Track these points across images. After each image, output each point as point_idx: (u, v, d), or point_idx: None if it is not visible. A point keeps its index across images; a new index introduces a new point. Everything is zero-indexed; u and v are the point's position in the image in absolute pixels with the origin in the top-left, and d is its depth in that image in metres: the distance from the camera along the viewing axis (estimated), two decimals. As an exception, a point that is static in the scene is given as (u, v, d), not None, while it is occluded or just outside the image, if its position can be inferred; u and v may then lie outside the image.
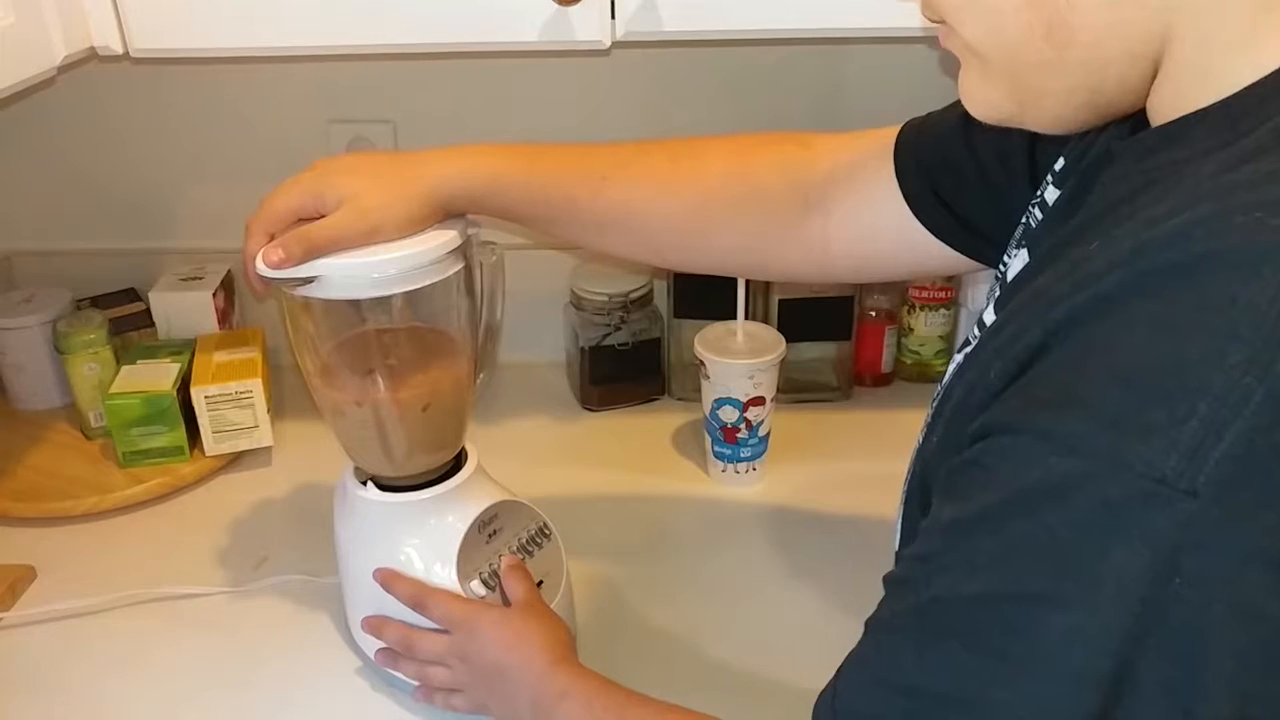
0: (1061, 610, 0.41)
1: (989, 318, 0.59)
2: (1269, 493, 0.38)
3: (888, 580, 0.49)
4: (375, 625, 0.79)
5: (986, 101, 0.53)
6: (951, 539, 0.45)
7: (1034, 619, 0.41)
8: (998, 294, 0.62)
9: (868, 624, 0.49)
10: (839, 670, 0.49)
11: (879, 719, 0.46)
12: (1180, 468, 0.38)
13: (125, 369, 1.07)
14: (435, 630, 0.76)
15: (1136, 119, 0.51)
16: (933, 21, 0.54)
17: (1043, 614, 0.41)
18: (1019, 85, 0.51)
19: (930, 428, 0.59)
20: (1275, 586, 0.39)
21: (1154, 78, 0.48)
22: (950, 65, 0.55)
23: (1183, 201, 0.43)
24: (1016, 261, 0.61)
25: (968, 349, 0.59)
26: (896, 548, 0.66)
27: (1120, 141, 0.52)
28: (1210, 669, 0.39)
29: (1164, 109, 0.48)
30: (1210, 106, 0.46)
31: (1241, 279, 0.39)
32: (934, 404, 0.61)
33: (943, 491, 0.48)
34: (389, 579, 0.78)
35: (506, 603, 0.77)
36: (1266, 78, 0.45)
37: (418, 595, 0.77)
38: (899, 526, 0.65)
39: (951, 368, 0.61)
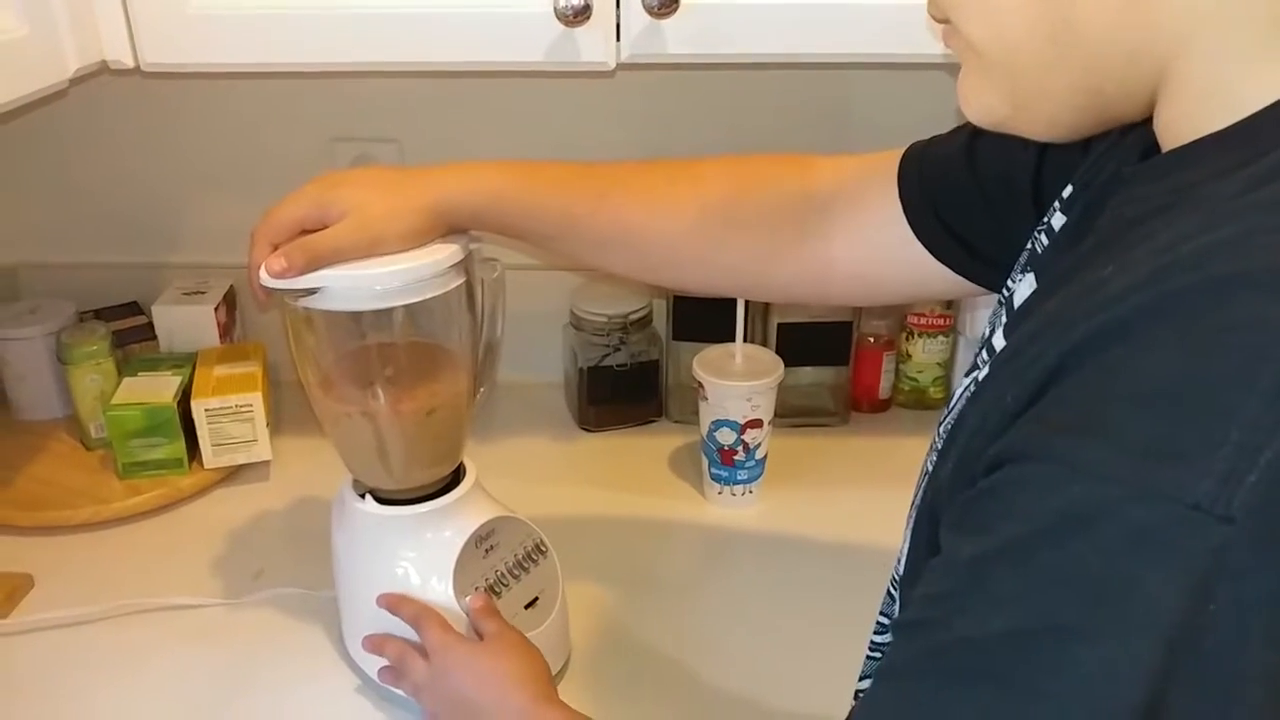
0: (1094, 642, 0.39)
1: (999, 343, 0.58)
2: None
3: (899, 624, 0.47)
4: (377, 643, 0.79)
5: (982, 104, 0.53)
6: (972, 575, 0.43)
7: (1065, 653, 0.39)
8: (1004, 320, 0.61)
9: (878, 672, 0.47)
10: None
11: None
12: (1215, 493, 0.37)
13: (126, 381, 1.07)
14: (424, 654, 0.76)
15: (1147, 145, 0.51)
16: (937, 20, 0.54)
17: (1074, 647, 0.39)
18: (1017, 86, 0.50)
19: (943, 455, 0.57)
20: None
21: (1158, 85, 0.47)
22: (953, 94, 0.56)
23: (1202, 224, 0.42)
24: (1023, 286, 0.60)
25: (978, 374, 0.58)
26: (900, 576, 0.65)
27: (1131, 167, 0.51)
28: (1245, 699, 0.38)
29: (1175, 129, 0.48)
30: (1228, 128, 0.45)
31: (1269, 299, 0.38)
32: (944, 431, 0.60)
33: (957, 525, 0.46)
34: (395, 602, 0.78)
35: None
36: None
37: (417, 616, 0.77)
38: (904, 555, 0.64)
39: (960, 393, 0.60)
